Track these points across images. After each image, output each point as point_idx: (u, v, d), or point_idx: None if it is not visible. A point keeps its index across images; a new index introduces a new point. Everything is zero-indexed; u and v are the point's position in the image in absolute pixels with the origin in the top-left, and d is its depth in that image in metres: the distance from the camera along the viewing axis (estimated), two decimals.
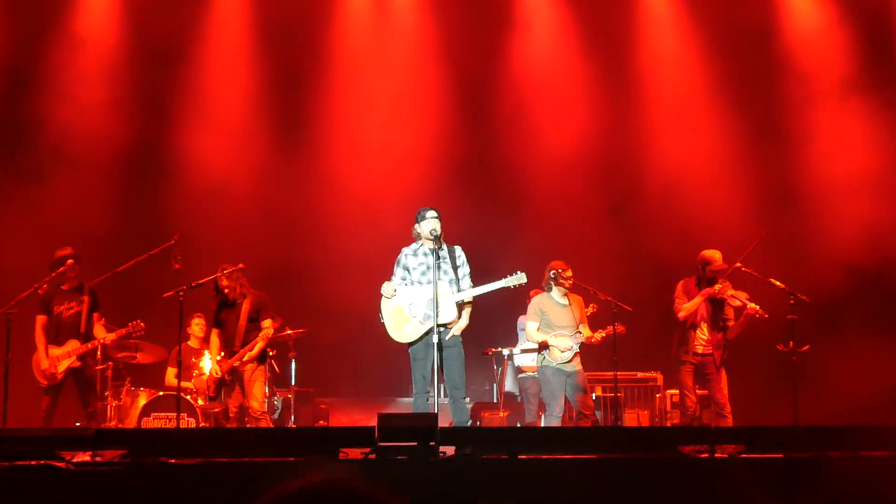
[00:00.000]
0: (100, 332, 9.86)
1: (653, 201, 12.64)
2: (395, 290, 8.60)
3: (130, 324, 9.79)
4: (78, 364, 9.73)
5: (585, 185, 12.75)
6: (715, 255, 9.44)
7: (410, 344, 8.54)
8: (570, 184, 12.68)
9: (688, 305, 9.32)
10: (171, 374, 10.62)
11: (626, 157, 12.93)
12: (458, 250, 8.78)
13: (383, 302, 8.64)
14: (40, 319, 9.72)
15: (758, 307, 9.10)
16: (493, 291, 8.61)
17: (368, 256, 10.85)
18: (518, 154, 12.98)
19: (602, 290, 9.57)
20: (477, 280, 8.83)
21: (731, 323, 9.53)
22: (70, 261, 9.73)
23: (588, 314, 9.72)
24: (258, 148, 12.75)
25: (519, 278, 8.50)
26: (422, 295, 8.56)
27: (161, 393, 10.20)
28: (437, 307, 8.21)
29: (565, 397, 9.44)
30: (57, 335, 9.73)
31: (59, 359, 9.64)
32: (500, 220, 12.81)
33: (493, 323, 11.13)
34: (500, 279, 8.57)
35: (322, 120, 12.78)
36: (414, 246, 8.81)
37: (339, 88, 12.70)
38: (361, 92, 12.59)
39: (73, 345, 9.74)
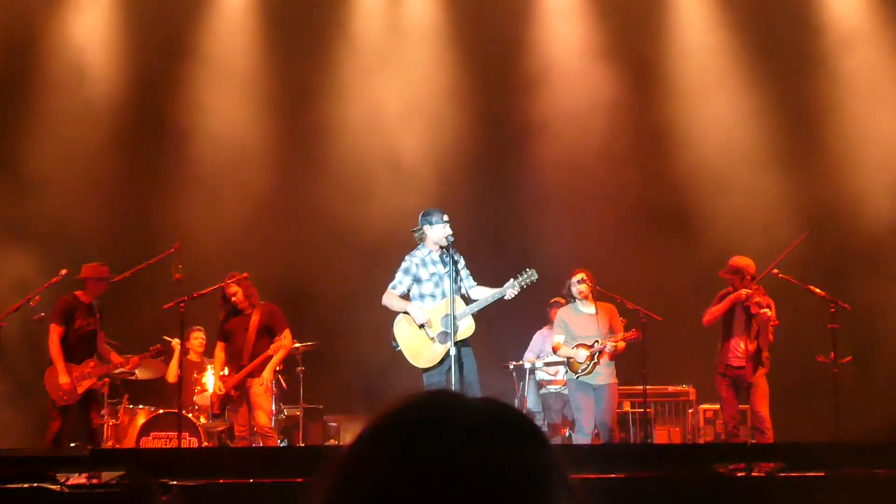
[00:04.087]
0: (106, 349, 9.83)
1: (689, 204, 12.49)
2: (429, 320, 8.36)
3: (152, 348, 9.87)
4: (98, 385, 9.75)
5: (615, 186, 12.63)
6: (742, 261, 9.40)
7: (426, 369, 8.38)
8: (598, 185, 12.58)
9: (712, 310, 9.32)
10: (172, 372, 10.62)
11: (657, 157, 12.84)
12: (458, 255, 8.64)
13: (399, 326, 8.43)
14: (57, 330, 9.49)
15: (769, 312, 9.02)
16: (504, 298, 8.49)
17: (382, 265, 10.52)
18: (539, 155, 12.88)
19: (631, 299, 9.53)
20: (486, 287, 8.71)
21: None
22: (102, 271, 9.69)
23: None
24: (267, 151, 12.79)
25: (529, 276, 8.36)
26: (436, 312, 8.40)
27: (161, 411, 10.18)
28: (454, 322, 8.09)
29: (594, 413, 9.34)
30: (73, 351, 9.55)
31: (80, 377, 9.50)
32: (518, 224, 12.75)
33: (506, 332, 11.10)
34: (508, 283, 8.44)
35: (336, 123, 12.74)
36: (420, 253, 8.60)
37: (355, 89, 12.77)
38: (377, 92, 12.64)
39: (93, 363, 9.64)
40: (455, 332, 8.16)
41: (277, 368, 9.81)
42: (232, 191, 12.45)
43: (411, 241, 8.85)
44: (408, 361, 8.49)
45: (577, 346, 9.24)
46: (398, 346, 8.38)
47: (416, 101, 12.50)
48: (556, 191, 12.68)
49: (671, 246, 12.28)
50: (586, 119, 12.41)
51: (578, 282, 9.34)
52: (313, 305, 11.74)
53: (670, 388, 11.15)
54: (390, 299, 8.46)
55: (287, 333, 9.62)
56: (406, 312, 8.41)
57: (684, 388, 11.19)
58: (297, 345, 10.35)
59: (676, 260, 12.15)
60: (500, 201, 12.79)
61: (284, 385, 10.61)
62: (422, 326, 8.19)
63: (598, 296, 9.32)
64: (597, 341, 9.10)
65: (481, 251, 10.46)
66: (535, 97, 12.66)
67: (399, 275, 8.53)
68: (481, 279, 8.86)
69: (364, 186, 12.41)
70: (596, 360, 9.08)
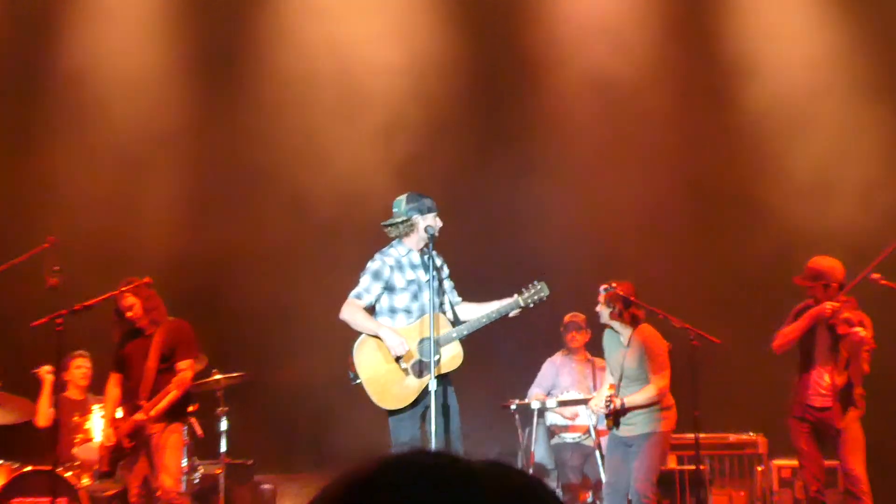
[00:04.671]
0: None
1: (752, 177, 11.70)
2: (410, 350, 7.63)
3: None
4: None
5: (648, 156, 11.75)
6: (826, 262, 8.68)
7: (394, 411, 7.64)
8: (626, 155, 11.74)
9: (786, 330, 8.58)
10: (43, 414, 9.66)
11: (705, 109, 12.00)
12: (440, 257, 7.96)
13: (361, 351, 7.63)
14: None
15: (863, 332, 8.35)
16: (502, 317, 7.80)
17: (336, 264, 10.09)
18: (549, 106, 11.94)
19: (677, 314, 8.62)
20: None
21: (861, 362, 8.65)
22: None
23: None
24: (178, 121, 11.86)
25: (538, 291, 7.66)
26: (410, 333, 7.67)
27: (28, 468, 9.30)
28: (433, 349, 7.38)
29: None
30: None
31: None
32: (518, 211, 11.82)
33: (505, 359, 10.62)
34: (509, 297, 7.75)
35: (273, 85, 11.83)
36: (396, 252, 7.71)
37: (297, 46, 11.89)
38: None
39: None
40: (437, 363, 7.49)
41: (190, 409, 9.14)
42: (132, 166, 11.70)
43: (381, 237, 7.90)
44: (370, 400, 7.64)
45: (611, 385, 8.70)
46: (357, 378, 7.55)
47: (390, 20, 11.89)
48: (570, 163, 11.81)
49: (729, 237, 11.60)
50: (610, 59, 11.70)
51: (603, 295, 8.67)
52: (240, 323, 11.10)
53: (732, 438, 10.26)
54: (354, 314, 7.61)
55: (189, 364, 8.83)
56: (376, 336, 7.63)
57: (751, 436, 10.29)
58: (217, 377, 9.46)
59: (737, 257, 11.45)
60: (496, 179, 11.73)
61: (200, 432, 9.67)
62: (398, 359, 7.55)
63: (630, 320, 8.56)
64: (609, 394, 8.59)
65: (464, 250, 9.81)
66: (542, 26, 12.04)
67: (366, 280, 7.67)
68: (465, 293, 8.14)
69: (313, 151, 11.48)
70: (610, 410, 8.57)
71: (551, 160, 11.88)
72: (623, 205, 11.70)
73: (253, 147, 11.74)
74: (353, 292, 7.68)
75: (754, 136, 11.82)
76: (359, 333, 7.69)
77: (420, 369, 7.58)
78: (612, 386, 8.58)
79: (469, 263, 9.49)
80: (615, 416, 8.51)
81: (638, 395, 8.27)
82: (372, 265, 7.67)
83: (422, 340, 7.55)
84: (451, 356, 7.56)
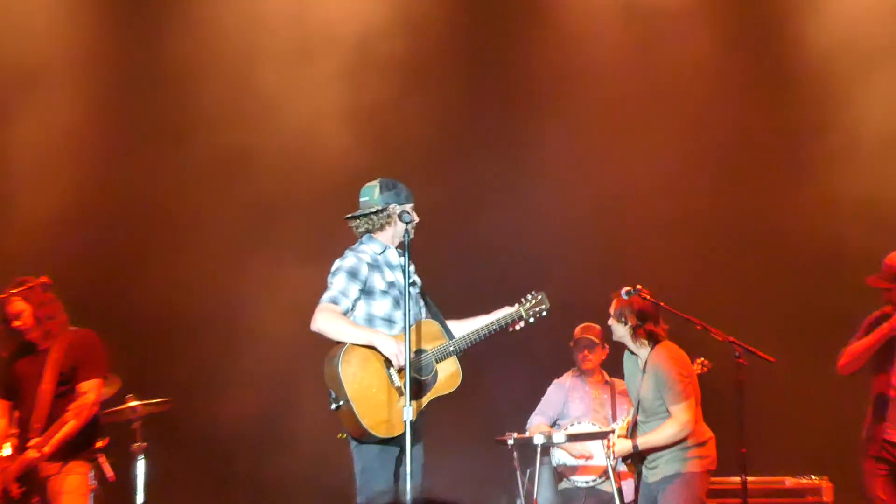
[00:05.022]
0: None
1: (817, 176, 10.66)
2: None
3: None
4: None
5: (675, 124, 10.65)
6: None
7: (369, 441, 6.84)
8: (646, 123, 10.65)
9: (854, 347, 7.95)
10: None
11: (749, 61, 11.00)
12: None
13: (348, 365, 6.75)
14: None
15: None
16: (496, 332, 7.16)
17: (284, 262, 9.36)
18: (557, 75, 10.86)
19: (719, 325, 7.75)
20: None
21: None
22: None
23: (696, 374, 7.96)
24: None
25: (539, 303, 7.04)
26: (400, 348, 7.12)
27: None
28: (409, 366, 6.52)
29: None
30: None
31: None
32: (515, 197, 10.73)
33: (500, 383, 9.87)
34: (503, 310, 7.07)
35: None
36: (370, 249, 6.97)
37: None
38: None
39: None
40: (433, 381, 6.88)
41: (98, 445, 8.06)
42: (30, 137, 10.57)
43: (340, 238, 7.25)
44: (341, 427, 6.85)
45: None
46: (339, 401, 6.65)
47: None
48: (580, 121, 10.74)
49: (783, 223, 10.68)
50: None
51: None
52: (161, 332, 10.12)
53: (788, 482, 9.33)
54: (333, 321, 6.78)
55: (94, 385, 7.85)
56: (369, 346, 6.78)
57: (813, 481, 9.37)
58: (133, 404, 8.52)
59: (794, 250, 10.66)
60: (487, 141, 10.79)
61: (110, 474, 8.39)
62: (400, 371, 6.77)
63: (647, 337, 7.72)
64: (613, 430, 8.10)
65: (442, 252, 9.18)
66: None
67: (341, 281, 6.87)
68: (441, 291, 7.42)
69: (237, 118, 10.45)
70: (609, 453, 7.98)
71: (557, 115, 10.80)
72: (646, 181, 10.64)
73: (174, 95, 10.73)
74: (327, 296, 6.84)
75: (815, 88, 10.86)
76: (338, 346, 6.83)
77: (418, 389, 6.87)
78: (627, 423, 7.87)
79: (448, 253, 9.20)
80: (637, 458, 7.75)
81: (653, 436, 7.50)
82: (345, 262, 6.85)
83: (417, 352, 6.81)
84: (449, 375, 6.83)
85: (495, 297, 7.35)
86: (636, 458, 7.77)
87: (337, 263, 6.92)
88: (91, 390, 7.78)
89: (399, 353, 6.73)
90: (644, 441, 7.51)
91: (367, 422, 6.65)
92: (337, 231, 7.41)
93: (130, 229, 10.44)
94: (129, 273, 10.29)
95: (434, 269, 7.67)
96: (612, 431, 8.05)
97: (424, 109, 10.44)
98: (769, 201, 10.81)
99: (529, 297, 7.14)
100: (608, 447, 7.80)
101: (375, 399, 6.78)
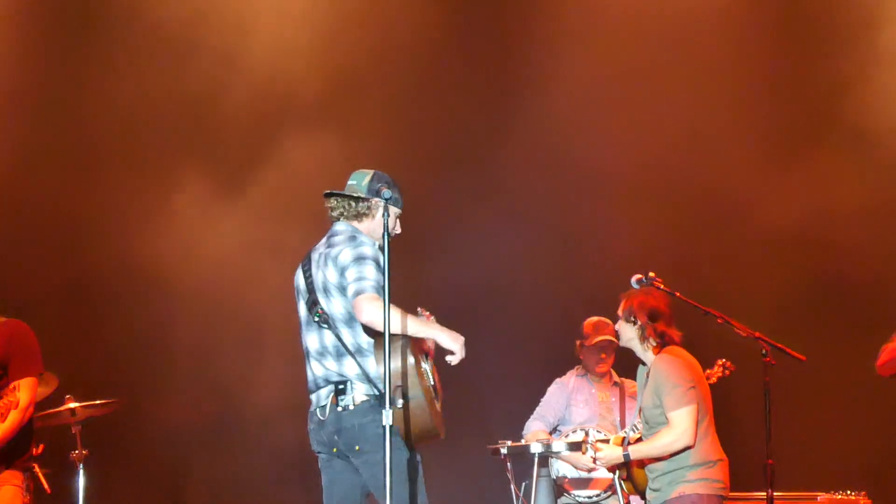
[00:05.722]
0: None
1: (845, 153, 10.28)
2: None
3: None
4: None
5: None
6: None
7: (415, 442, 6.58)
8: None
9: (893, 344, 7.79)
10: None
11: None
12: None
13: (413, 364, 6.67)
14: None
15: None
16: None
17: (265, 240, 9.18)
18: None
19: (742, 319, 7.36)
20: None
21: None
22: None
23: (710, 380, 7.61)
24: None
25: None
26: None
27: None
28: (388, 362, 6.21)
29: None
30: None
31: None
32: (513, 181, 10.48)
33: (491, 386, 9.84)
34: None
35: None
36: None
37: None
38: None
39: None
40: (389, 373, 6.43)
41: (34, 452, 7.41)
42: None
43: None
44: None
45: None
46: (409, 398, 6.52)
47: None
48: (585, 96, 10.30)
49: (812, 210, 10.27)
50: None
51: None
52: (103, 326, 9.74)
53: (821, 498, 8.91)
54: (394, 313, 6.45)
55: (27, 384, 7.15)
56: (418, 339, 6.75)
57: (849, 497, 8.94)
58: (72, 405, 8.25)
59: (825, 238, 10.29)
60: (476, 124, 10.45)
61: (47, 487, 8.36)
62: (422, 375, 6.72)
63: (656, 337, 7.33)
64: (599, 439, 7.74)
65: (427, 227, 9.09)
66: None
67: (372, 270, 6.64)
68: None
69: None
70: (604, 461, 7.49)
71: (559, 87, 10.26)
72: (659, 166, 10.11)
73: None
74: (371, 286, 6.49)
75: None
76: (388, 339, 6.36)
77: (435, 392, 6.78)
78: (633, 439, 7.35)
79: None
80: (641, 477, 7.28)
81: (646, 444, 7.01)
82: (365, 249, 6.60)
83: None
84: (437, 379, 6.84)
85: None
86: (639, 479, 7.29)
87: (359, 251, 6.62)
88: (24, 389, 7.05)
89: (462, 349, 6.58)
90: (636, 449, 7.05)
91: (437, 421, 6.59)
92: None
93: (70, 206, 9.92)
94: (69, 258, 9.81)
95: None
96: (599, 431, 7.87)
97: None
98: (798, 184, 10.19)
99: None
100: (594, 450, 7.29)
101: (429, 397, 6.72)
